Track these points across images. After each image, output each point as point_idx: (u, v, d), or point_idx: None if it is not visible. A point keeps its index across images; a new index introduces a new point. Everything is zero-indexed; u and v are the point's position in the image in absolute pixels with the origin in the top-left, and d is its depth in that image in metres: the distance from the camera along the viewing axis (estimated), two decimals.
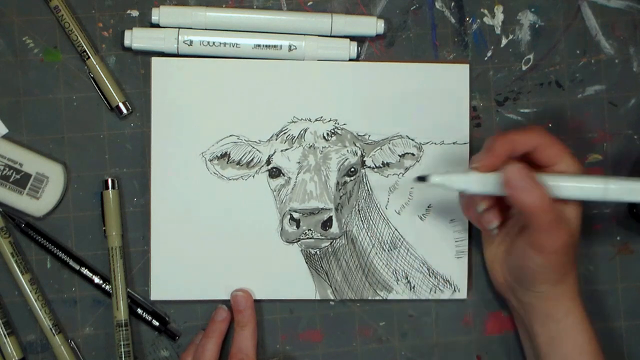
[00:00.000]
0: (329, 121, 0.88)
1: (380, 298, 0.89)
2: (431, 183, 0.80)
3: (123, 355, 0.87)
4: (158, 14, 0.87)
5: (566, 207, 0.80)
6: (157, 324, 0.88)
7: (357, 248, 0.89)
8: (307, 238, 0.88)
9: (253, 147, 0.88)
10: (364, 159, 0.89)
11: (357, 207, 0.89)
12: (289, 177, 0.88)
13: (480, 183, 0.80)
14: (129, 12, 0.89)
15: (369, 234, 0.89)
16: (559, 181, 0.79)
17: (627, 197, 0.79)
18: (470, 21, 0.90)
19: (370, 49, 0.90)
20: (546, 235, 0.78)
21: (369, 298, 0.89)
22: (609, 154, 0.91)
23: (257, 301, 0.89)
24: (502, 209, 0.83)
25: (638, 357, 0.91)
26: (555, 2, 0.91)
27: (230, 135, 0.88)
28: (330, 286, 0.89)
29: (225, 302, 0.89)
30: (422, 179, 0.81)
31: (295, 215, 0.88)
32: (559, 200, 0.79)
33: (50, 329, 0.87)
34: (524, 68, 0.91)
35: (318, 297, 0.89)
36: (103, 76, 0.88)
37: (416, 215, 0.89)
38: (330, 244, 0.89)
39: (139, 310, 0.88)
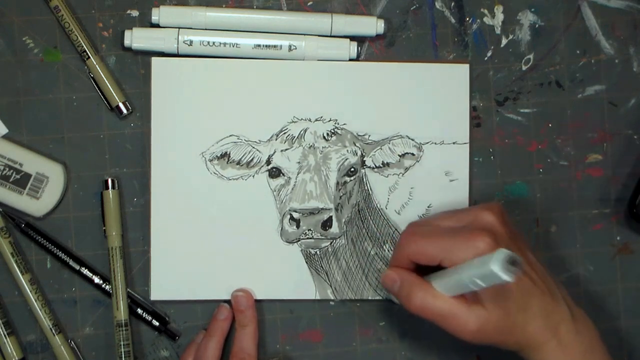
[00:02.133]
0: (329, 121, 0.89)
1: (380, 298, 0.90)
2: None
3: (123, 355, 0.87)
4: (158, 14, 0.87)
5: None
6: (157, 324, 0.88)
7: (357, 248, 0.89)
8: (307, 238, 0.88)
9: (253, 147, 0.88)
10: (364, 158, 0.89)
11: (357, 207, 0.89)
12: (289, 177, 0.88)
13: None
14: (129, 12, 0.89)
15: (369, 234, 0.89)
16: (439, 283, 0.77)
17: (487, 282, 0.72)
18: (470, 21, 0.90)
19: (370, 49, 0.90)
20: (451, 329, 0.77)
21: (369, 298, 0.89)
22: (609, 154, 0.91)
23: (257, 301, 0.89)
24: None
25: (638, 357, 0.91)
26: (555, 2, 0.91)
27: (230, 135, 0.88)
28: (330, 286, 0.89)
29: (226, 302, 0.89)
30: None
31: (295, 215, 0.88)
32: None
33: (50, 329, 0.87)
34: (524, 68, 0.91)
35: (318, 297, 0.89)
36: (103, 76, 0.88)
37: (416, 215, 0.89)
38: (330, 244, 0.89)
39: (139, 310, 0.88)
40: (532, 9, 0.91)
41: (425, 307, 0.77)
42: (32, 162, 0.87)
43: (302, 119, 0.89)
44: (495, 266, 0.68)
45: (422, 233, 0.79)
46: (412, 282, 0.78)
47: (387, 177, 0.89)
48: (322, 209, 0.88)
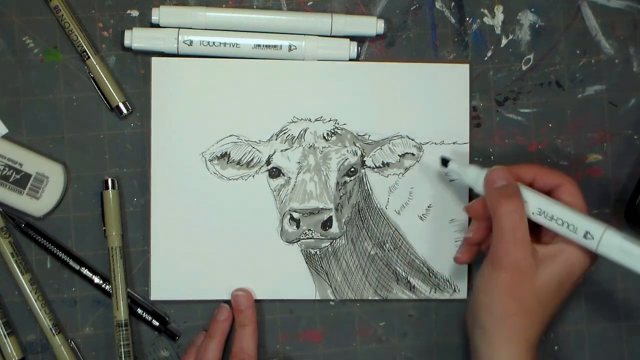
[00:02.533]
0: (329, 121, 0.89)
1: (380, 298, 0.89)
2: (448, 169, 0.84)
3: (123, 355, 0.87)
4: (158, 14, 0.87)
5: (545, 250, 0.79)
6: (157, 324, 0.88)
7: (357, 248, 0.89)
8: (307, 238, 0.88)
9: (253, 147, 0.88)
10: (364, 158, 0.89)
11: (357, 207, 0.89)
12: (289, 177, 0.88)
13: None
14: (129, 12, 0.89)
15: (369, 234, 0.89)
16: (544, 204, 0.79)
17: (616, 257, 0.77)
18: (470, 21, 0.90)
19: (370, 49, 0.90)
20: (505, 248, 0.78)
21: (369, 298, 0.89)
22: (609, 154, 0.91)
23: (257, 301, 0.89)
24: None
25: (638, 357, 0.91)
26: (555, 2, 0.91)
27: (230, 135, 0.88)
28: (330, 286, 0.89)
29: (226, 302, 0.89)
30: (444, 162, 0.85)
31: (295, 215, 0.88)
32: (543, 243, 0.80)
33: (50, 329, 0.87)
34: (524, 68, 0.91)
35: (318, 297, 0.89)
36: (103, 76, 0.88)
37: (416, 215, 0.89)
38: (330, 244, 0.89)
39: (139, 310, 0.88)
40: (532, 9, 0.91)
41: (509, 216, 0.78)
42: (32, 162, 0.87)
43: (302, 119, 0.89)
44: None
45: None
46: (515, 190, 0.79)
47: (387, 177, 0.89)
48: (322, 209, 0.88)
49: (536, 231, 0.81)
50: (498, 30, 0.91)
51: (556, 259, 0.79)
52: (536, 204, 0.80)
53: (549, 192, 0.82)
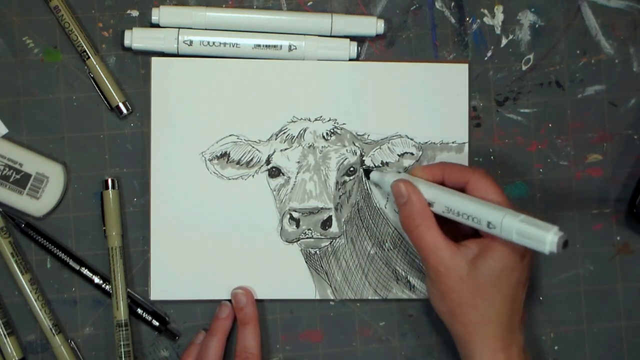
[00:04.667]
0: (329, 121, 0.89)
1: (380, 298, 0.89)
2: (371, 179, 0.87)
3: (123, 355, 0.87)
4: (158, 14, 0.87)
5: (474, 249, 0.79)
6: (157, 324, 0.88)
7: (356, 248, 0.89)
8: (307, 238, 0.88)
9: (253, 147, 0.88)
10: (363, 158, 0.89)
11: (356, 206, 0.89)
12: (289, 177, 0.88)
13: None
14: (129, 12, 0.89)
15: (368, 233, 0.89)
16: (449, 201, 0.79)
17: (518, 241, 0.75)
18: (470, 21, 0.90)
19: (370, 49, 0.90)
20: (424, 261, 0.80)
21: (369, 298, 0.89)
22: (609, 154, 0.91)
23: (257, 301, 0.89)
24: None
25: (638, 357, 0.91)
26: (555, 2, 0.91)
27: (230, 135, 0.88)
28: (330, 286, 0.89)
29: (227, 301, 0.89)
30: (366, 172, 0.88)
31: (295, 214, 0.88)
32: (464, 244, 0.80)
33: (50, 329, 0.87)
34: (524, 68, 0.91)
35: (318, 297, 0.89)
36: (103, 76, 0.88)
37: None
38: (330, 243, 0.89)
39: (139, 310, 0.88)
40: (532, 9, 0.91)
41: (420, 235, 0.79)
42: (32, 162, 0.87)
43: (301, 118, 0.89)
44: (550, 236, 0.73)
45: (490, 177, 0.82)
46: (419, 209, 0.80)
47: None
48: (321, 208, 0.88)
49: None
50: (498, 30, 0.91)
51: (485, 255, 0.78)
52: (443, 203, 0.80)
53: (462, 189, 0.81)
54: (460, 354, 0.82)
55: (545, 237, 0.73)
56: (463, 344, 0.81)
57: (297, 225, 0.88)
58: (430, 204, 0.81)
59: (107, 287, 0.88)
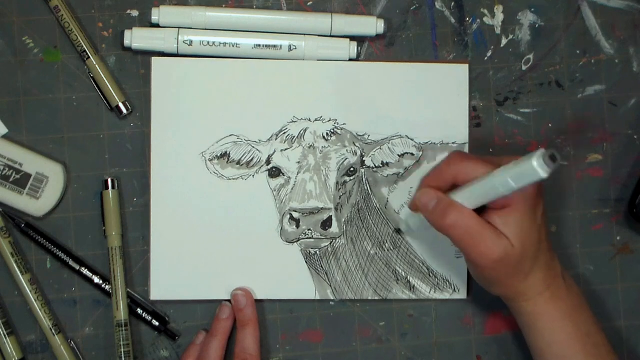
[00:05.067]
0: (329, 121, 0.89)
1: (380, 298, 0.89)
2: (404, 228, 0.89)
3: (123, 355, 0.87)
4: (158, 14, 0.87)
5: (501, 215, 0.79)
6: (157, 324, 0.88)
7: (357, 248, 0.89)
8: (307, 238, 0.88)
9: (253, 147, 0.88)
10: (364, 158, 0.89)
11: (356, 206, 0.89)
12: (289, 177, 0.88)
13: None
14: (129, 12, 0.89)
15: (368, 233, 0.89)
16: (465, 193, 0.79)
17: (519, 182, 0.74)
18: (470, 21, 0.90)
19: (370, 49, 0.90)
20: (476, 252, 0.78)
21: (369, 298, 0.89)
22: (609, 154, 0.91)
23: (257, 301, 0.89)
24: None
25: (638, 357, 0.91)
26: (555, 2, 0.91)
27: (230, 135, 0.88)
28: (330, 286, 0.89)
29: (227, 302, 0.89)
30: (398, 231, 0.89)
31: (295, 215, 0.88)
32: (491, 210, 0.79)
33: (50, 329, 0.87)
34: (524, 68, 0.91)
35: (318, 297, 0.89)
36: (103, 76, 0.88)
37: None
38: (330, 243, 0.89)
39: (139, 310, 0.88)
40: (532, 9, 0.91)
41: (458, 224, 0.78)
42: (32, 162, 0.87)
43: (302, 118, 0.89)
44: (535, 160, 0.71)
45: (471, 156, 0.81)
46: (448, 202, 0.79)
47: (387, 177, 0.89)
48: (321, 208, 0.88)
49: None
50: (498, 30, 0.91)
51: (511, 211, 0.78)
52: (467, 197, 0.79)
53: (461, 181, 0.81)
54: (512, 310, 0.83)
55: (532, 165, 0.71)
56: (518, 297, 0.81)
57: (297, 226, 0.88)
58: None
59: (107, 287, 0.88)
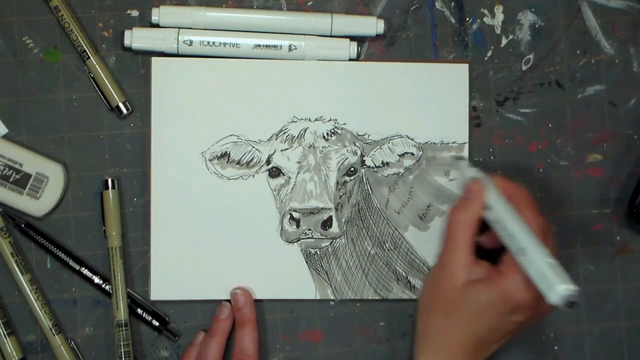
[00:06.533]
0: (329, 121, 0.89)
1: (381, 298, 0.89)
2: (465, 173, 0.86)
3: (123, 355, 0.87)
4: (158, 14, 0.87)
5: (487, 269, 0.80)
6: (157, 324, 0.88)
7: (357, 248, 0.89)
8: (307, 238, 0.88)
9: (253, 147, 0.88)
10: (364, 158, 0.89)
11: (357, 206, 0.89)
12: (289, 177, 0.88)
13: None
14: (129, 12, 0.89)
15: (369, 233, 0.89)
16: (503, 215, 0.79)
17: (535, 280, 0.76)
18: (470, 21, 0.90)
19: (370, 49, 0.90)
20: (442, 249, 0.81)
21: (369, 298, 0.89)
22: (609, 154, 0.91)
23: (257, 301, 0.89)
24: None
25: (638, 357, 0.91)
26: (555, 2, 0.91)
27: (230, 135, 0.88)
28: (330, 286, 0.89)
29: (227, 302, 0.89)
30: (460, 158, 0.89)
31: (295, 214, 0.88)
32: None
33: (50, 329, 0.87)
34: (524, 68, 0.91)
35: (318, 297, 0.89)
36: (103, 76, 0.88)
37: (416, 215, 0.89)
38: (330, 243, 0.89)
39: (139, 310, 0.88)
40: (532, 9, 0.91)
41: (456, 229, 0.81)
42: (32, 162, 0.87)
43: (302, 118, 0.89)
44: (554, 295, 0.73)
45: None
46: (474, 212, 0.81)
47: (387, 176, 0.89)
48: (322, 208, 0.88)
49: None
50: (498, 30, 0.91)
51: (484, 285, 0.79)
52: (497, 213, 0.80)
53: None
54: (414, 347, 0.83)
55: (557, 285, 0.73)
56: (419, 340, 0.82)
57: (298, 226, 0.88)
58: (488, 208, 0.81)
59: (107, 287, 0.88)
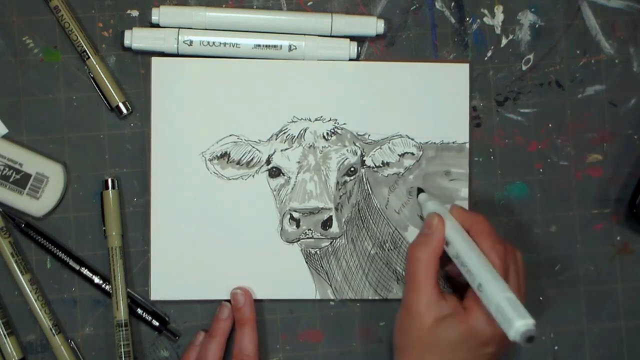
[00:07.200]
0: (329, 121, 0.89)
1: (381, 298, 0.89)
2: (417, 198, 0.88)
3: (123, 356, 0.87)
4: (158, 14, 0.87)
5: (454, 305, 0.79)
6: (157, 324, 0.88)
7: (357, 248, 0.89)
8: (307, 238, 0.88)
9: (253, 147, 0.88)
10: (364, 158, 0.89)
11: (357, 206, 0.89)
12: (289, 177, 0.88)
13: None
14: (129, 12, 0.89)
15: (369, 233, 0.89)
16: (461, 245, 0.79)
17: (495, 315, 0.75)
18: (470, 21, 0.90)
19: (370, 49, 0.90)
20: (405, 290, 0.80)
21: (369, 298, 0.89)
22: (609, 154, 0.91)
23: (257, 301, 0.89)
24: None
25: (638, 357, 0.91)
26: (555, 2, 0.91)
27: (230, 135, 0.88)
28: (330, 286, 0.89)
29: (227, 302, 0.89)
30: (418, 190, 0.88)
31: (295, 215, 0.88)
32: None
33: (50, 329, 0.87)
34: (524, 68, 0.91)
35: (318, 297, 0.89)
36: (103, 76, 0.88)
37: (416, 215, 0.89)
38: (331, 243, 0.89)
39: (139, 310, 0.88)
40: (532, 9, 0.91)
41: (417, 267, 0.79)
42: (32, 162, 0.87)
43: (302, 118, 0.89)
44: (513, 332, 0.72)
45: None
46: (434, 248, 0.80)
47: (387, 176, 0.89)
48: (322, 208, 0.88)
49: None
50: (498, 30, 0.91)
51: (453, 320, 0.78)
52: (455, 248, 0.79)
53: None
54: None
55: (514, 322, 0.72)
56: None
57: (298, 226, 0.88)
58: (446, 243, 0.80)
59: (107, 287, 0.88)
